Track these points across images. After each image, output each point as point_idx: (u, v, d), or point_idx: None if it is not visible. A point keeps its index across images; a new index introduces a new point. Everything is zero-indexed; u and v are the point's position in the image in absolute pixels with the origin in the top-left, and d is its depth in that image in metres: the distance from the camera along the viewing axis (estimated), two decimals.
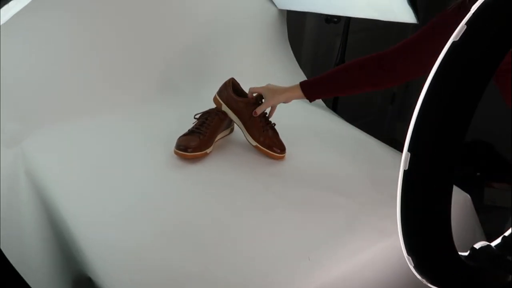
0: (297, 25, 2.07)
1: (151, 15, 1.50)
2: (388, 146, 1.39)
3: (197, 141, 1.20)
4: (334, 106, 1.99)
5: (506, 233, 0.68)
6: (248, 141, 1.28)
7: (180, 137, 1.23)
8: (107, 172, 1.16)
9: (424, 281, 0.63)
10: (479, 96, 0.49)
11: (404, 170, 0.52)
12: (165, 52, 1.56)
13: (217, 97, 1.31)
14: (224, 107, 1.29)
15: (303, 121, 1.49)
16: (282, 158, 1.26)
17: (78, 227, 0.97)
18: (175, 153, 1.21)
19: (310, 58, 2.22)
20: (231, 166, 1.22)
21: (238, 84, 1.33)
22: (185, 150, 1.19)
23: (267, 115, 1.30)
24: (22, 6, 0.79)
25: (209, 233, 0.95)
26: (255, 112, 1.25)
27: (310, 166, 1.24)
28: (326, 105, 1.77)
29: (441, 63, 0.50)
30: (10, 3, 0.65)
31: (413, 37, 1.06)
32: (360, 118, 2.36)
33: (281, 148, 1.27)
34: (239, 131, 1.32)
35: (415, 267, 0.59)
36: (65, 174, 1.15)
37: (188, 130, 1.25)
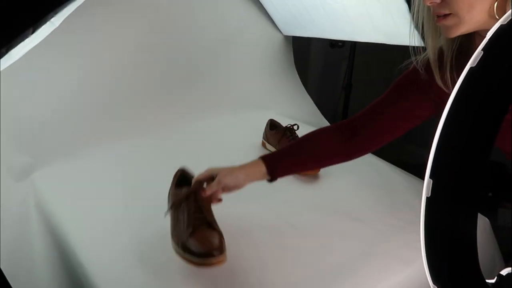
0: (302, 50, 2.08)
1: (156, 47, 1.52)
2: (400, 169, 1.37)
3: (217, 236, 0.87)
4: None
5: None
6: None
7: (187, 237, 0.85)
8: (118, 204, 1.15)
9: None
10: (500, 120, 0.48)
11: (427, 197, 0.51)
12: (170, 80, 1.57)
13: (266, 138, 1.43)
14: (269, 146, 1.43)
15: None
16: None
17: (89, 262, 0.95)
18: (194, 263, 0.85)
19: (316, 83, 2.23)
20: (242, 193, 1.20)
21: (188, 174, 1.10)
22: (211, 255, 0.83)
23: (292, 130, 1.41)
24: (36, 43, 0.80)
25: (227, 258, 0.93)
26: (204, 192, 0.94)
27: (323, 191, 1.23)
28: None
29: (459, 88, 0.50)
30: (26, 40, 0.66)
31: (376, 101, 1.00)
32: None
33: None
34: None
35: None
36: (75, 206, 1.14)
37: (187, 225, 0.88)
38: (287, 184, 1.25)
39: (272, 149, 1.42)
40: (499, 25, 0.48)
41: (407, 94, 0.97)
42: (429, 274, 0.56)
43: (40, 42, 0.85)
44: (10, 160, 1.24)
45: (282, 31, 1.79)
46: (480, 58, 0.48)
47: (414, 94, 0.96)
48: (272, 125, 1.46)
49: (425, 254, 0.55)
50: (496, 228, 1.22)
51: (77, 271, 0.96)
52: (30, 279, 1.04)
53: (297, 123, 1.43)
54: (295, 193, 1.22)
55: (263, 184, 1.25)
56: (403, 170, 1.36)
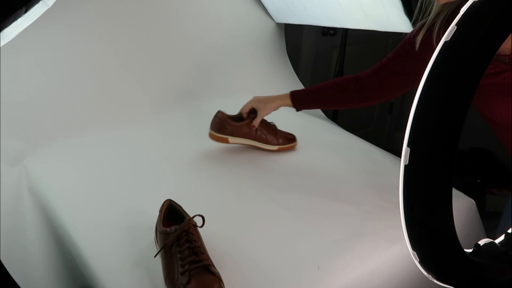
0: (295, 38, 2.09)
1: (154, 31, 1.52)
2: (391, 154, 1.39)
3: (216, 282, 0.81)
4: (334, 117, 2.00)
5: (509, 230, 0.69)
6: (269, 150, 1.33)
7: (184, 286, 0.80)
8: (110, 186, 1.16)
9: (430, 277, 0.63)
10: (473, 90, 0.51)
11: (405, 165, 0.54)
12: (163, 68, 1.57)
13: (216, 134, 1.29)
14: (232, 139, 1.30)
15: (306, 132, 1.50)
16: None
17: (81, 241, 0.97)
18: None
19: (308, 70, 2.24)
20: (235, 178, 1.22)
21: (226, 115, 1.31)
22: None
23: (271, 123, 1.36)
24: (29, 23, 0.80)
25: (215, 242, 0.94)
26: (253, 125, 1.30)
27: (314, 175, 1.25)
28: (326, 115, 1.78)
29: (434, 61, 0.53)
30: (18, 20, 0.66)
31: (386, 59, 1.17)
32: (360, 128, 2.37)
33: (292, 135, 1.38)
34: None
35: (420, 262, 0.60)
36: (68, 189, 1.15)
37: (182, 273, 0.81)
38: (277, 167, 1.28)
39: (239, 141, 1.32)
40: (472, 1, 0.50)
41: (403, 63, 1.13)
42: (408, 240, 0.58)
43: (33, 25, 0.86)
44: (3, 145, 1.24)
45: (274, 19, 1.80)
46: (454, 32, 0.50)
47: (410, 62, 1.11)
48: (235, 118, 1.33)
49: (404, 221, 0.57)
50: (484, 214, 1.26)
51: (71, 251, 0.98)
52: (25, 258, 1.06)
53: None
54: (285, 176, 1.24)
55: (254, 166, 1.28)
56: (393, 155, 1.39)
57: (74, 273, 0.97)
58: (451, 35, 0.50)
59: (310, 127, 1.55)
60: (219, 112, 1.30)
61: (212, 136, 1.30)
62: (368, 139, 1.50)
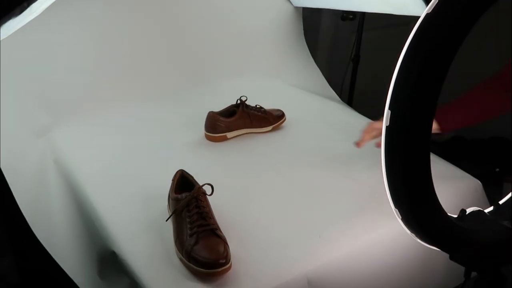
0: (313, 22, 2.11)
1: (166, 17, 1.58)
2: None
3: (222, 244, 0.87)
4: (350, 102, 2.02)
5: (500, 202, 0.71)
6: (263, 132, 1.37)
7: (191, 246, 0.85)
8: (129, 159, 1.24)
9: (413, 236, 0.66)
10: (451, 59, 0.55)
11: (386, 126, 0.58)
12: (182, 49, 1.63)
13: (213, 134, 1.32)
14: (230, 134, 1.34)
15: (317, 114, 1.54)
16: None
17: (102, 208, 1.04)
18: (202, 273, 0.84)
19: (326, 55, 2.25)
20: (247, 155, 1.27)
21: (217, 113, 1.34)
22: (217, 265, 0.83)
23: (258, 106, 1.39)
24: (53, 0, 0.86)
25: (224, 210, 1.00)
26: (358, 144, 1.16)
27: (322, 153, 1.29)
28: (342, 99, 1.81)
29: (416, 31, 0.57)
30: None
31: None
32: (378, 114, 2.38)
33: (280, 111, 1.42)
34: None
35: (402, 219, 0.65)
36: (90, 161, 1.22)
37: (190, 235, 0.87)
38: (286, 146, 1.32)
39: (236, 134, 1.35)
40: None
41: None
42: (390, 198, 0.63)
43: (62, 5, 0.92)
44: (29, 117, 1.33)
45: (292, 2, 1.82)
46: (436, 5, 0.54)
47: None
48: (226, 113, 1.35)
49: (386, 179, 0.62)
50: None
51: (92, 217, 1.05)
52: (49, 224, 1.13)
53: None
54: (294, 155, 1.28)
55: (261, 143, 1.32)
56: None
57: (94, 238, 1.05)
58: (432, 7, 0.54)
59: (324, 110, 1.58)
60: (210, 112, 1.32)
61: (209, 138, 1.33)
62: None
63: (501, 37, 1.70)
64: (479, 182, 1.17)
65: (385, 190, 0.62)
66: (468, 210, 0.70)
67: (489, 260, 0.66)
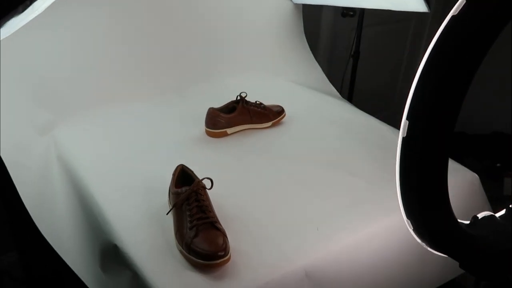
0: (313, 19, 2.12)
1: (167, 13, 1.59)
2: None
3: (221, 236, 0.89)
4: (350, 98, 2.03)
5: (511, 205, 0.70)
6: (263, 127, 1.39)
7: (191, 239, 0.87)
8: (131, 154, 1.26)
9: (424, 245, 0.65)
10: (476, 67, 0.51)
11: (403, 137, 0.56)
12: (183, 47, 1.64)
13: (214, 130, 1.33)
14: (230, 130, 1.35)
15: (317, 110, 1.55)
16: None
17: (104, 202, 1.06)
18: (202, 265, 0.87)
19: (326, 52, 2.27)
20: (246, 150, 1.29)
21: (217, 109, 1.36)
22: (216, 257, 0.86)
23: (258, 103, 1.40)
24: None
25: (223, 204, 1.02)
26: None
27: (322, 149, 1.30)
28: (342, 95, 1.82)
29: (440, 35, 0.53)
30: None
31: None
32: (379, 111, 2.39)
33: (280, 107, 1.44)
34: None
35: (414, 230, 0.63)
36: (93, 157, 1.24)
37: (190, 227, 0.89)
38: (285, 141, 1.34)
39: (236, 130, 1.36)
40: None
41: None
42: (403, 210, 0.61)
43: (64, 3, 0.93)
44: (33, 115, 1.35)
45: None
46: (462, 7, 0.51)
47: None
48: (226, 109, 1.37)
49: (399, 190, 0.60)
50: (502, 197, 1.24)
51: (94, 211, 1.07)
52: (52, 219, 1.15)
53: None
54: (294, 150, 1.30)
55: (262, 138, 1.34)
56: None
57: (96, 231, 1.07)
58: (459, 9, 0.51)
59: (324, 106, 1.59)
60: (210, 109, 1.34)
61: (210, 134, 1.34)
62: (388, 122, 1.51)
63: (501, 36, 1.70)
64: (476, 175, 1.19)
65: (398, 202, 0.61)
66: (480, 216, 0.68)
67: (499, 269, 0.64)
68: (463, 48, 0.51)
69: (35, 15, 0.84)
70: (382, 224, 1.01)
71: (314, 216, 1.01)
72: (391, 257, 1.03)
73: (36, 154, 1.29)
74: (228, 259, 0.86)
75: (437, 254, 1.12)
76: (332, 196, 1.09)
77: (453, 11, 0.52)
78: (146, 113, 1.48)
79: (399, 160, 0.58)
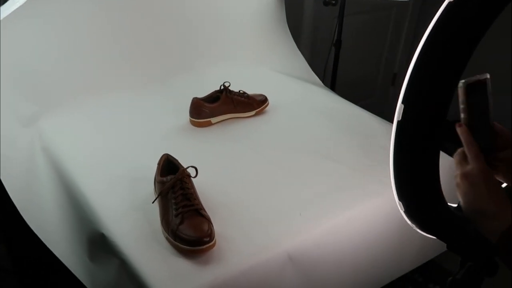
0: (295, 8, 2.13)
1: (158, 3, 1.59)
2: (382, 119, 1.45)
3: (206, 223, 0.91)
4: (332, 86, 2.06)
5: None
6: (247, 116, 1.41)
7: (177, 226, 0.89)
8: (116, 145, 1.27)
9: (414, 226, 0.66)
10: (471, 52, 0.53)
11: (398, 121, 0.57)
12: (166, 37, 1.65)
13: (198, 120, 1.35)
14: (214, 119, 1.37)
15: (300, 99, 1.57)
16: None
17: (90, 193, 1.07)
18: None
19: (309, 41, 2.29)
20: (231, 139, 1.31)
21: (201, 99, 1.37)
22: (201, 243, 0.87)
23: (241, 92, 1.42)
24: None
25: (209, 192, 1.04)
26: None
27: (304, 137, 1.33)
28: (325, 84, 1.84)
29: (436, 21, 0.54)
30: None
31: None
32: (361, 99, 2.42)
33: (263, 96, 1.46)
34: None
35: (405, 212, 0.64)
36: (78, 148, 1.25)
37: (176, 215, 0.91)
38: (268, 129, 1.37)
39: (221, 119, 1.38)
40: None
41: None
42: (395, 191, 0.63)
43: None
44: (17, 107, 1.35)
45: None
46: None
47: None
48: (210, 99, 1.38)
49: (392, 173, 0.61)
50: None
51: (80, 201, 1.08)
52: (39, 210, 1.16)
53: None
54: (277, 138, 1.32)
55: (245, 127, 1.36)
56: (386, 120, 1.44)
57: (83, 221, 1.08)
58: None
59: (307, 94, 1.61)
60: (194, 98, 1.36)
61: (194, 123, 1.36)
62: (370, 110, 1.54)
63: (501, 37, 1.73)
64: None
65: (391, 182, 0.62)
66: None
67: (484, 250, 0.65)
68: (459, 33, 0.52)
69: (16, 7, 0.84)
70: (363, 208, 1.04)
71: (297, 201, 1.04)
72: (371, 239, 1.06)
73: (21, 146, 1.29)
74: (214, 245, 0.89)
75: (416, 236, 1.16)
76: (314, 182, 1.11)
77: None
78: (130, 104, 1.49)
79: (393, 143, 0.60)
